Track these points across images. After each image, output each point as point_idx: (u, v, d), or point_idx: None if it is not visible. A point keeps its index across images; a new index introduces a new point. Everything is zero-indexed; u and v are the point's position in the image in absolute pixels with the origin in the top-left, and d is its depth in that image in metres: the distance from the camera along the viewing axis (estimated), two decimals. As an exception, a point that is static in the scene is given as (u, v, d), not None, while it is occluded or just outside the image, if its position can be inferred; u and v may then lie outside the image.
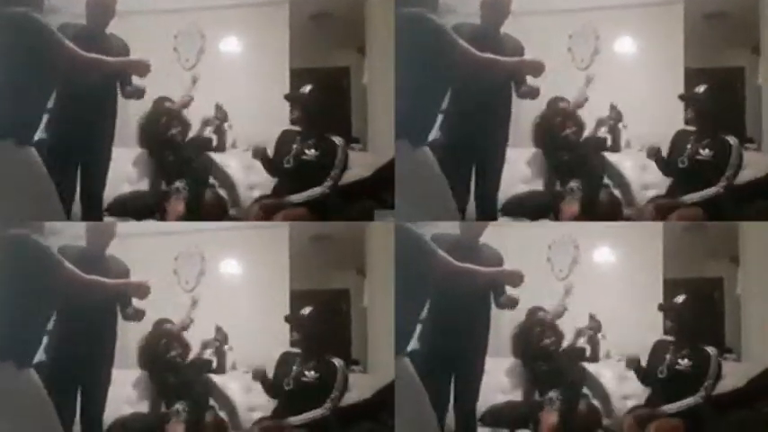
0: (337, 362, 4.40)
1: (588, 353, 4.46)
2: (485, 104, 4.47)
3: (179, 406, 4.43)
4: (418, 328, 4.38)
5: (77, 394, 4.41)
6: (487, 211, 4.47)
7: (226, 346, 4.45)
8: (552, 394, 4.44)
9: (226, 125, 4.51)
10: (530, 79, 4.44)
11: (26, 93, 4.40)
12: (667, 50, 4.46)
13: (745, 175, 4.41)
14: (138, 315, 4.42)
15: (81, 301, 4.37)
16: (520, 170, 4.51)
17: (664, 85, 4.44)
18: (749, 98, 4.46)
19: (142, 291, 4.40)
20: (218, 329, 4.45)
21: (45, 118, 4.42)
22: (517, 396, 4.48)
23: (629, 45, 4.51)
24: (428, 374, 4.37)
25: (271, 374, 4.42)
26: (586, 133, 4.50)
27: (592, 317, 4.43)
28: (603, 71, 4.49)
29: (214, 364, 4.47)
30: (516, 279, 4.38)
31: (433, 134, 4.45)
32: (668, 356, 4.38)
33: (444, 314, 4.39)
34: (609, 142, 4.50)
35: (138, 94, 4.46)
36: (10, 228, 4.35)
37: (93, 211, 4.45)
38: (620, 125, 4.47)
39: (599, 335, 4.43)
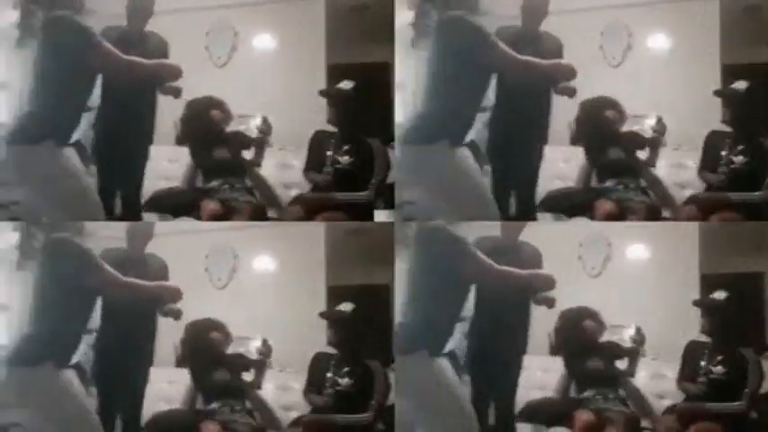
0: (373, 365, 4.38)
1: (627, 365, 4.44)
2: (524, 104, 4.46)
3: (215, 405, 4.42)
4: (457, 327, 4.38)
5: (117, 394, 4.43)
6: (526, 211, 4.46)
7: (269, 360, 4.44)
8: (588, 393, 4.43)
9: (270, 138, 4.48)
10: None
11: (65, 94, 4.41)
12: (703, 46, 4.42)
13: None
14: (175, 314, 4.42)
15: (120, 302, 4.40)
16: (557, 168, 4.50)
17: (699, 82, 4.40)
18: None
19: (175, 295, 4.42)
20: (264, 342, 4.43)
21: (84, 119, 4.42)
22: (552, 393, 4.48)
23: (662, 41, 4.47)
24: (468, 374, 4.39)
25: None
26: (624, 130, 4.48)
27: (638, 329, 4.41)
28: (636, 67, 4.46)
29: (252, 376, 4.46)
30: (549, 283, 4.39)
31: (472, 134, 4.44)
32: (703, 363, 4.35)
33: (483, 314, 4.40)
34: (647, 153, 4.47)
35: (175, 93, 4.46)
36: (52, 231, 4.38)
37: (131, 208, 4.46)
38: (663, 139, 4.44)
39: (641, 348, 4.42)
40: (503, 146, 4.47)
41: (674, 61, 4.45)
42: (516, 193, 4.48)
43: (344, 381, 4.39)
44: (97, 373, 4.40)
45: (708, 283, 4.37)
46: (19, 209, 4.40)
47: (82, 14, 4.43)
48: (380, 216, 4.38)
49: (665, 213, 4.43)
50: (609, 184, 4.48)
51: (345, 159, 4.46)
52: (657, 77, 4.45)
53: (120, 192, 4.47)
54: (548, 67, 4.44)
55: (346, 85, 4.42)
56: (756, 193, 4.38)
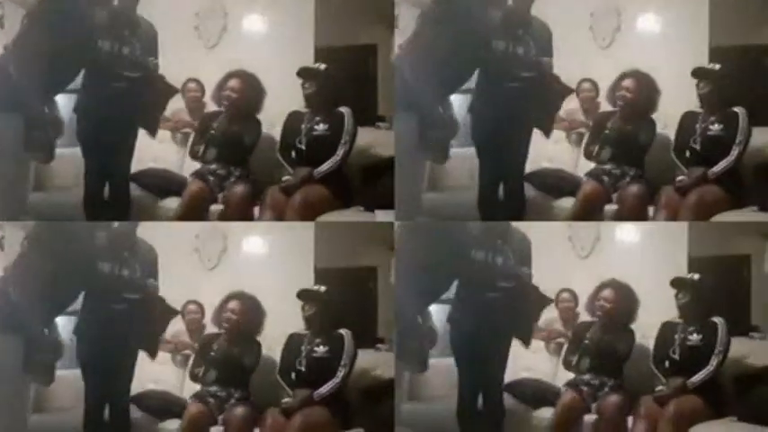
0: (344, 332, 4.40)
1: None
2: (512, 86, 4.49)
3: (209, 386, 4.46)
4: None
5: (106, 373, 4.48)
6: (515, 192, 4.49)
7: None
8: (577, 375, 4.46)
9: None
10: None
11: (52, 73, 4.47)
12: (692, 28, 4.41)
13: (750, 364, 4.37)
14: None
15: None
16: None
17: (688, 64, 4.38)
18: (756, 286, 4.41)
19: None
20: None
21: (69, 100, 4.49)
22: (539, 375, 4.50)
23: (651, 22, 4.47)
24: (456, 354, 4.44)
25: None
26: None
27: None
28: (625, 49, 4.46)
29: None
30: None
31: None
32: (677, 336, 4.36)
33: (472, 296, 4.45)
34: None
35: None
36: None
37: (121, 188, 4.50)
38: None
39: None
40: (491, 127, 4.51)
41: (663, 43, 4.44)
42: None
43: (320, 349, 4.42)
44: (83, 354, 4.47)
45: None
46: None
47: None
48: (380, 216, 4.40)
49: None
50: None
51: (320, 128, 4.48)
52: (646, 59, 4.43)
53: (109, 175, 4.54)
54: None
55: (320, 66, 4.46)
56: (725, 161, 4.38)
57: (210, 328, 4.50)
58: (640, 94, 4.44)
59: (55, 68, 4.47)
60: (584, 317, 4.48)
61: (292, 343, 4.44)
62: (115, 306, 4.46)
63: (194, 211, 4.50)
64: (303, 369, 4.40)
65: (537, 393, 4.49)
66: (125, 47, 4.48)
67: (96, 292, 4.48)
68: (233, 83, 4.51)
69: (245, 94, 4.51)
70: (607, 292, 4.45)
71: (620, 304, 4.43)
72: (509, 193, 4.50)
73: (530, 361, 4.51)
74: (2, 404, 4.45)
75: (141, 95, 4.50)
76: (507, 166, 4.52)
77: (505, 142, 4.51)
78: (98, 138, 4.51)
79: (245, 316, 4.46)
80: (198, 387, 4.47)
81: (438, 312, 4.51)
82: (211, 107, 4.55)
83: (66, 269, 4.47)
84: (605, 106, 4.50)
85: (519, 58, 4.47)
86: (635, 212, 4.42)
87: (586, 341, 4.46)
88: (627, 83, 4.45)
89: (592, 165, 4.51)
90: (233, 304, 4.48)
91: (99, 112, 4.50)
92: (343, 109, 4.47)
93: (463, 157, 4.55)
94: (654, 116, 4.45)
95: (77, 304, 4.49)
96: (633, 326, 4.43)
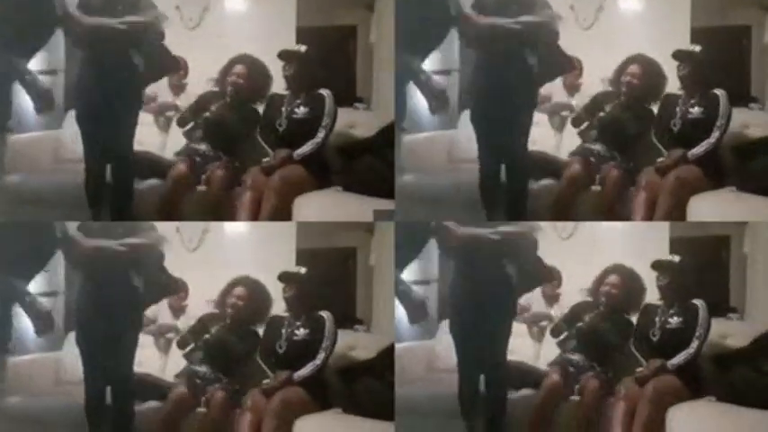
0: (325, 314, 4.41)
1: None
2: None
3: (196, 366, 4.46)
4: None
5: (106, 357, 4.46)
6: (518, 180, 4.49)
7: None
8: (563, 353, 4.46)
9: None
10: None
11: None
12: (673, 8, 4.40)
13: (749, 135, 4.38)
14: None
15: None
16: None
17: (669, 44, 4.38)
18: (755, 57, 4.41)
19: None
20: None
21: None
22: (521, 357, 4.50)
23: (633, 2, 4.46)
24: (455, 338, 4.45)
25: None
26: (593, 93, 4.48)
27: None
28: (607, 29, 4.45)
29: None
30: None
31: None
32: (658, 319, 4.37)
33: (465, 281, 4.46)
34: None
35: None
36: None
37: (121, 171, 4.48)
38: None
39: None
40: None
41: (644, 23, 4.43)
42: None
43: (300, 332, 4.42)
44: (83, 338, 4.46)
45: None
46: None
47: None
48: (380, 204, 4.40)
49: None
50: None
51: (301, 110, 4.47)
52: (628, 39, 4.43)
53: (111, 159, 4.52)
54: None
55: (300, 47, 4.45)
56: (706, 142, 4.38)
57: (197, 310, 4.48)
58: (646, 81, 4.41)
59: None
60: (570, 297, 4.47)
61: (273, 325, 4.43)
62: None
63: (179, 193, 4.49)
64: (283, 351, 4.40)
65: (519, 375, 4.48)
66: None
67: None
68: (239, 68, 4.50)
69: (251, 81, 4.49)
70: (614, 278, 4.43)
71: (625, 291, 4.41)
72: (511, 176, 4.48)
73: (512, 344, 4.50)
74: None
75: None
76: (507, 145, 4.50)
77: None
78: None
79: (252, 304, 4.45)
80: (183, 364, 4.46)
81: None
82: (203, 88, 4.51)
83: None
84: (589, 87, 4.47)
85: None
86: (616, 194, 4.41)
87: (581, 324, 4.45)
88: (633, 68, 4.43)
89: (574, 146, 4.49)
90: (239, 290, 4.47)
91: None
92: (324, 91, 4.46)
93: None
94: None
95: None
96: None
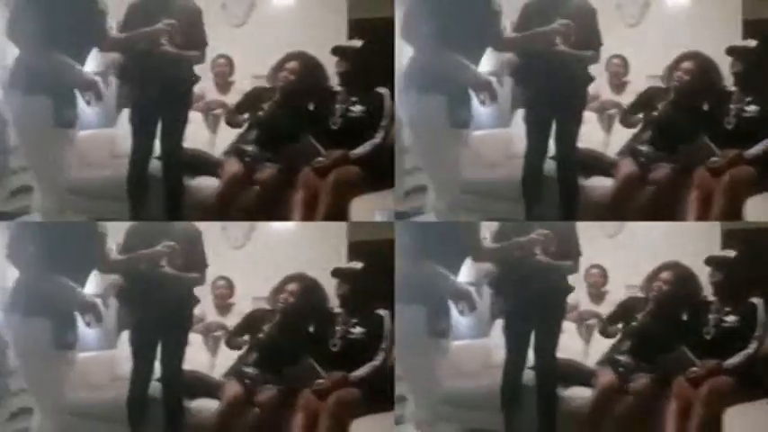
0: (383, 312, 4.38)
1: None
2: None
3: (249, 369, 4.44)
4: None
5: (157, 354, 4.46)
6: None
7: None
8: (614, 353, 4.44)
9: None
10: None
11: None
12: (724, 1, 4.37)
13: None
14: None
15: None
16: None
17: (720, 39, 4.35)
18: None
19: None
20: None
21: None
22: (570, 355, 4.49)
23: (682, -2, 4.42)
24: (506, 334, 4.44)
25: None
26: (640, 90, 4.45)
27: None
28: (654, 26, 4.42)
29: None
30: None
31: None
32: (711, 317, 4.35)
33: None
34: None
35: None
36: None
37: (171, 170, 4.47)
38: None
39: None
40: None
41: (693, 19, 4.39)
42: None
43: (356, 330, 4.40)
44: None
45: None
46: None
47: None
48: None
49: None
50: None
51: (357, 109, 4.44)
52: (676, 36, 4.40)
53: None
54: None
55: (355, 43, 4.40)
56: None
57: (244, 307, 4.46)
58: (699, 78, 4.37)
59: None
60: (615, 295, 4.45)
61: (324, 322, 4.41)
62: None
63: (232, 193, 4.46)
64: (337, 350, 4.38)
65: (568, 373, 4.47)
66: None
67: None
68: (291, 65, 4.45)
69: (303, 78, 4.45)
70: (666, 274, 4.39)
71: (678, 288, 4.38)
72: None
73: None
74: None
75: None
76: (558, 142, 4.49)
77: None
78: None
79: (304, 301, 4.42)
80: (232, 362, 4.43)
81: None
82: (242, 85, 4.48)
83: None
84: (636, 85, 4.44)
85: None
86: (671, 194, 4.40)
87: (633, 323, 4.42)
88: (686, 65, 4.39)
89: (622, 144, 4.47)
90: (292, 286, 4.43)
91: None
92: (382, 90, 4.41)
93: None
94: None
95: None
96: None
